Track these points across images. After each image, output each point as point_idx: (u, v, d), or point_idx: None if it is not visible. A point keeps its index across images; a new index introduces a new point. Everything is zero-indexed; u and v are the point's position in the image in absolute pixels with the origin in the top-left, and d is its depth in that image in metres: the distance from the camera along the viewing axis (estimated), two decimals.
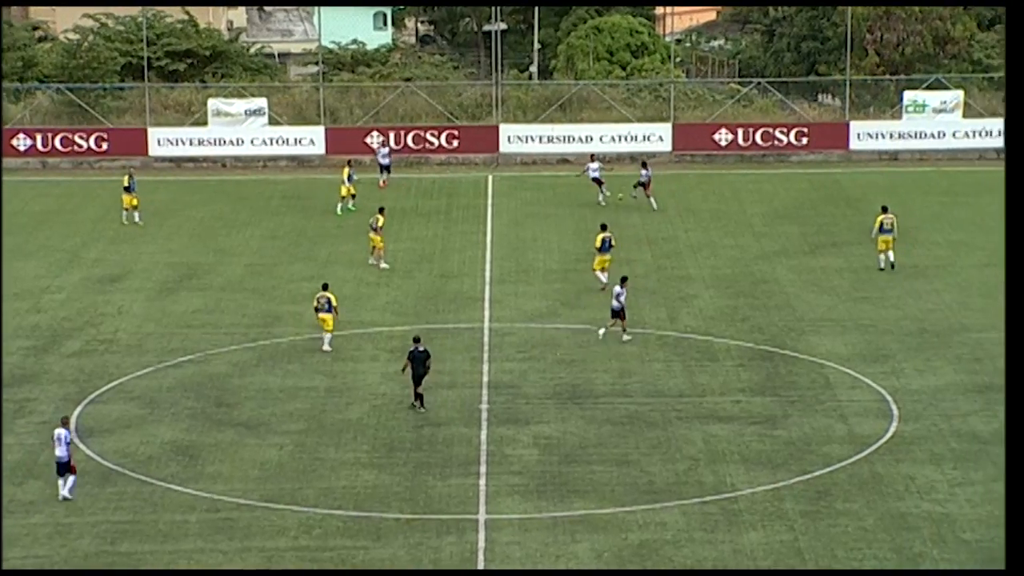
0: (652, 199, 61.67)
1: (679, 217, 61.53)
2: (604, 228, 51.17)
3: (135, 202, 59.72)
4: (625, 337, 45.17)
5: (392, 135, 72.00)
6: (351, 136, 71.42)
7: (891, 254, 53.07)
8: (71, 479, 34.53)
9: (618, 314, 45.18)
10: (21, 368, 43.52)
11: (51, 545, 32.47)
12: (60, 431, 34.58)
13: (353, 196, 61.85)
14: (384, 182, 66.45)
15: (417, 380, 39.92)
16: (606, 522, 33.54)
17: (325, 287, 45.02)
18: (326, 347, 44.42)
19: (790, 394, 41.27)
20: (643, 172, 62.12)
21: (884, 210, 53.45)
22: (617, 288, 45.42)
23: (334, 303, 44.60)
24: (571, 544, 32.52)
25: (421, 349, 39.91)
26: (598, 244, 50.81)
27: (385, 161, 67.20)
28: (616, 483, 35.59)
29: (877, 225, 53.06)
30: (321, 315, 44.49)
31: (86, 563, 31.61)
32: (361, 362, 44.02)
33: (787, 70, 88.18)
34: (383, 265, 53.34)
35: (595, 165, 62.73)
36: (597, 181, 62.41)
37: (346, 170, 62.23)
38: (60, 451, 34.31)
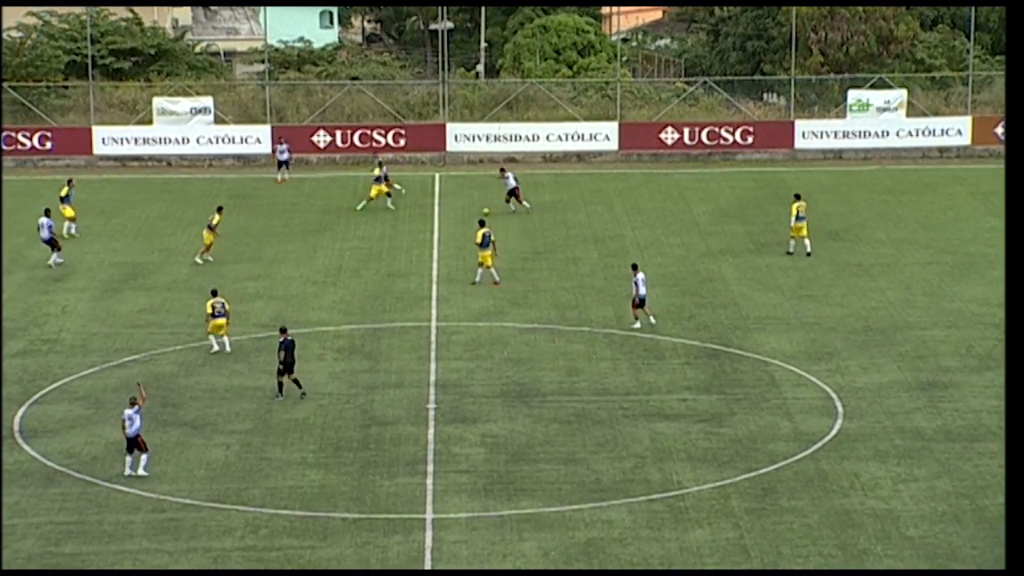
0: (524, 202, 61.19)
1: (626, 216, 61.65)
2: (483, 224, 51.45)
3: (71, 214, 58.04)
4: (652, 320, 46.41)
5: (339, 134, 71.85)
6: (297, 135, 71.19)
7: (807, 242, 54.70)
8: (144, 457, 35.29)
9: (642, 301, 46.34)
10: None
11: None
12: (130, 411, 35.27)
13: (389, 194, 61.61)
14: (283, 179, 66.38)
15: (289, 368, 40.47)
16: (553, 520, 33.57)
17: (215, 292, 44.94)
18: (227, 349, 44.28)
19: (736, 392, 41.43)
20: (506, 179, 61.51)
21: (797, 198, 55.28)
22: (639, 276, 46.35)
23: (227, 308, 44.34)
24: (518, 543, 32.53)
25: (290, 339, 40.60)
26: (479, 240, 51.10)
27: (284, 157, 67.11)
28: (563, 481, 35.63)
29: (794, 213, 54.60)
30: (217, 320, 44.00)
31: (29, 564, 31.38)
32: (308, 361, 43.84)
33: (732, 69, 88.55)
34: (198, 260, 53.79)
35: (511, 176, 61.89)
36: (513, 191, 61.52)
37: (376, 169, 61.82)
38: (132, 429, 35.14)
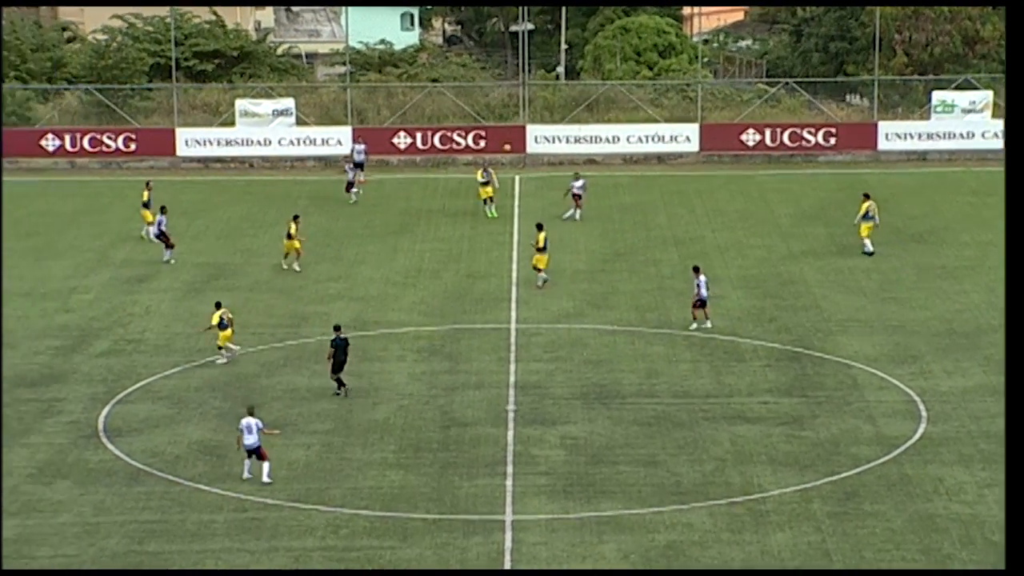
0: (577, 211, 60.67)
1: (706, 217, 61.44)
2: (540, 228, 51.32)
3: (151, 218, 57.61)
4: (707, 324, 46.32)
5: (419, 135, 72.11)
6: (378, 136, 71.50)
7: (867, 241, 54.76)
8: (265, 465, 35.28)
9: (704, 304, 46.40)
10: (50, 368, 43.71)
11: (79, 544, 32.59)
12: (249, 420, 35.31)
13: (492, 199, 61.26)
14: (363, 179, 66.56)
15: (339, 367, 40.78)
16: (633, 523, 33.51)
17: (219, 305, 44.28)
18: (232, 354, 43.97)
19: (818, 395, 41.17)
20: (484, 175, 61.25)
21: (866, 197, 55.01)
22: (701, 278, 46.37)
23: (231, 317, 44.10)
24: (598, 545, 32.50)
25: (343, 337, 40.79)
26: (541, 243, 50.96)
27: (360, 158, 67.24)
28: (643, 484, 35.56)
29: (862, 212, 54.54)
30: (225, 332, 43.71)
31: (113, 563, 31.73)
32: (388, 362, 44.07)
33: (815, 70, 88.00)
34: (295, 267, 53.44)
35: (580, 183, 61.67)
36: (576, 197, 61.20)
37: (480, 172, 61.73)
38: (251, 439, 35.20)
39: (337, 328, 41.50)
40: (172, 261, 54.42)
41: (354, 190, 64.33)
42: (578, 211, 60.72)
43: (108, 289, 51.84)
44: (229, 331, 43.80)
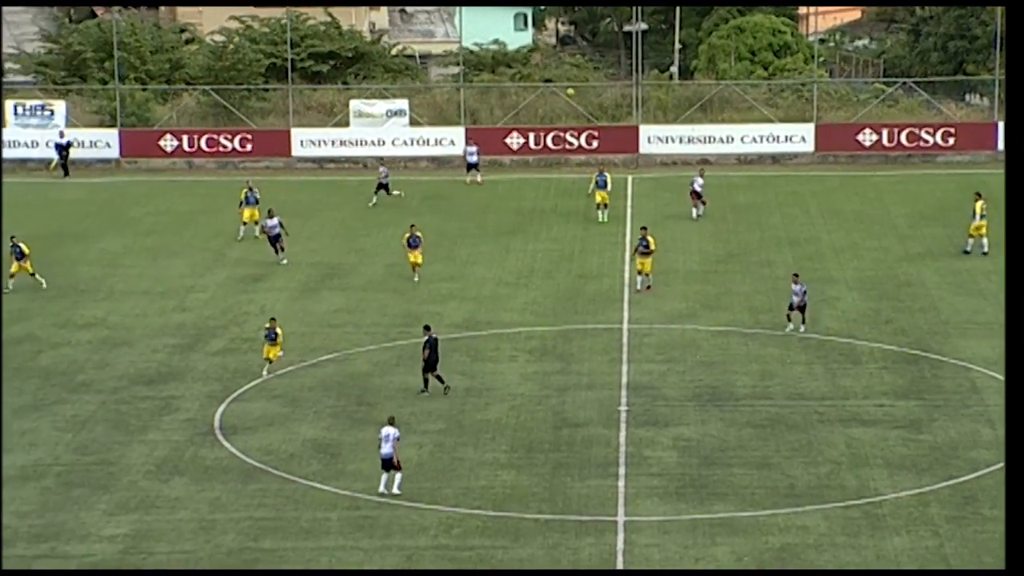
0: (699, 207, 60.34)
1: (821, 218, 60.90)
2: (643, 229, 50.92)
3: (255, 215, 58.21)
4: (801, 329, 45.86)
5: (532, 136, 72.19)
6: (491, 137, 71.68)
7: (984, 241, 54.16)
8: (398, 476, 34.81)
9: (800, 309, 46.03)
10: (167, 366, 44.30)
11: (196, 541, 32.99)
12: (388, 430, 34.93)
13: (606, 205, 60.24)
14: (477, 180, 66.64)
15: (432, 366, 41.02)
16: (746, 525, 33.29)
17: (273, 320, 43.54)
18: (265, 374, 42.96)
19: (935, 398, 40.65)
20: (600, 179, 60.71)
21: (978, 196, 54.64)
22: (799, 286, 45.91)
23: (279, 333, 43.02)
24: (711, 547, 32.32)
25: (434, 336, 41.14)
26: (636, 246, 50.65)
27: (473, 160, 67.43)
28: (757, 486, 35.31)
29: (978, 212, 54.25)
30: (267, 345, 42.89)
31: (229, 559, 32.09)
32: (500, 362, 44.15)
33: (933, 69, 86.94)
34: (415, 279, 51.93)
35: (700, 180, 61.37)
36: (696, 195, 60.92)
37: (594, 177, 61.23)
38: (386, 448, 34.73)
39: (427, 328, 41.78)
40: (285, 261, 54.84)
41: (393, 192, 63.33)
42: (697, 209, 60.52)
43: (224, 288, 52.43)
44: (277, 347, 42.79)
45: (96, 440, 38.74)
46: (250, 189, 58.95)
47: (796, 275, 46.58)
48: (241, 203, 58.77)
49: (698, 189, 60.69)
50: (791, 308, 46.01)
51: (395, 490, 34.78)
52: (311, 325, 48.02)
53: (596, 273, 53.46)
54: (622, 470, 36.29)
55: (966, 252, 54.42)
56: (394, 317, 48.35)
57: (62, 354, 45.50)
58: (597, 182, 60.67)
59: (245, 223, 58.40)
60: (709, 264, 54.22)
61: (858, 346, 44.97)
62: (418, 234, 51.97)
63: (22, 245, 51.88)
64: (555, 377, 42.80)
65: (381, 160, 67.68)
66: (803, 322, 45.90)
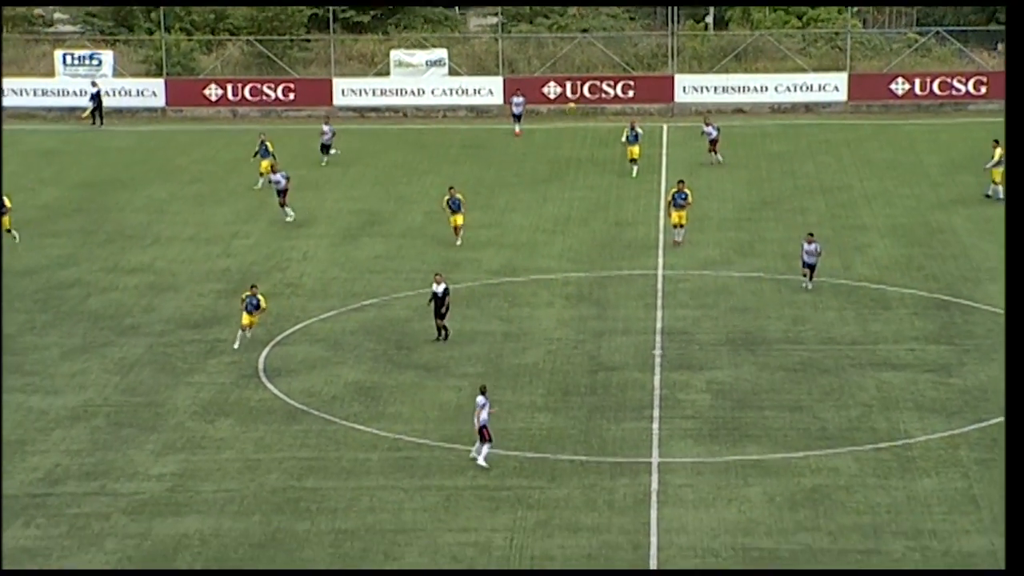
0: (719, 155, 59.82)
1: (854, 167, 60.56)
2: (680, 182, 50.00)
3: (265, 167, 57.52)
4: (810, 285, 44.95)
5: (568, 85, 71.92)
6: (529, 86, 71.44)
7: (1000, 188, 53.72)
8: (485, 447, 33.20)
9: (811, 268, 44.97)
10: (212, 310, 44.48)
11: (241, 480, 33.20)
12: (480, 398, 33.38)
13: (636, 160, 59.21)
14: (519, 131, 66.38)
15: (442, 314, 40.75)
16: (778, 467, 33.29)
17: (253, 287, 41.54)
18: (236, 344, 40.91)
19: (966, 343, 40.48)
20: (708, 131, 60.24)
21: (997, 143, 54.19)
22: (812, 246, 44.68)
23: (263, 304, 41.12)
24: (743, 488, 32.34)
25: (444, 287, 40.82)
26: (669, 198, 49.88)
27: (518, 111, 67.16)
28: (788, 428, 35.29)
29: (997, 158, 53.79)
30: (245, 314, 40.89)
31: (273, 497, 32.29)
32: (537, 308, 44.16)
33: (966, 19, 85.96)
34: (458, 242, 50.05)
35: (711, 128, 60.77)
36: (713, 142, 60.45)
37: (626, 131, 59.94)
38: (481, 418, 33.15)
39: (438, 275, 41.23)
40: (289, 218, 53.38)
41: (333, 152, 61.77)
42: (716, 155, 60.23)
43: (267, 235, 52.54)
44: (254, 317, 40.92)
45: (144, 382, 38.99)
46: (263, 142, 58.56)
47: (811, 234, 45.31)
48: (256, 154, 58.54)
49: (714, 136, 60.26)
50: (804, 265, 44.98)
51: (481, 461, 33.33)
52: (352, 271, 48.12)
53: (631, 221, 53.33)
54: (656, 412, 36.32)
55: (987, 196, 54.07)
56: (432, 264, 48.32)
57: (110, 298, 45.74)
58: (628, 137, 59.90)
59: (262, 174, 57.86)
60: (742, 212, 54.02)
61: (889, 292, 44.79)
62: (458, 196, 50.12)
63: (5, 199, 51.24)
64: (591, 322, 42.79)
65: (326, 119, 64.96)
66: (811, 279, 44.74)
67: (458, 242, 49.91)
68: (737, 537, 30.32)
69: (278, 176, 53.67)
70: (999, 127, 66.04)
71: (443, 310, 40.95)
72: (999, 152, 54.26)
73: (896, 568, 28.91)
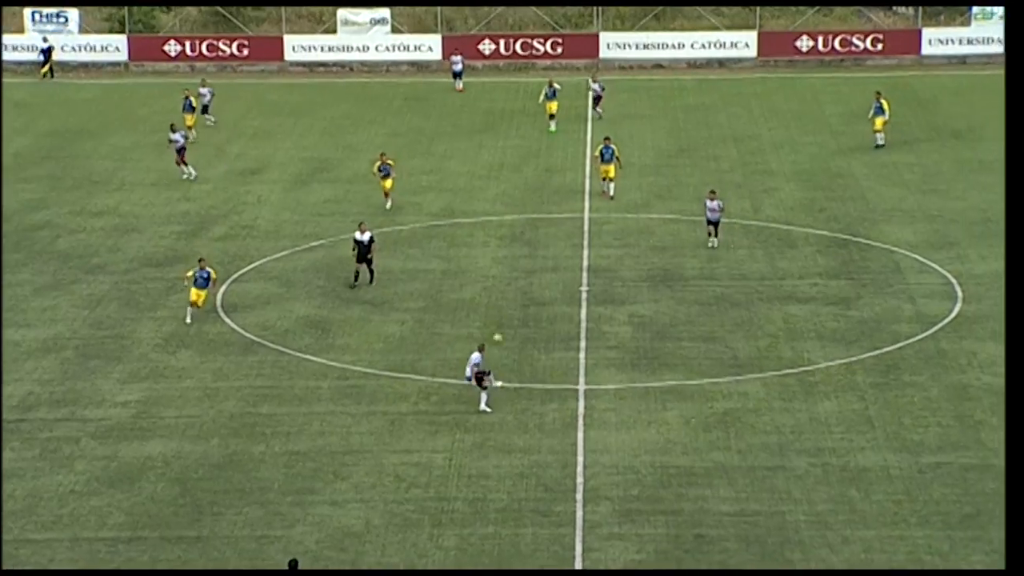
0: (599, 110, 58.47)
1: (763, 117, 60.65)
2: (607, 139, 48.94)
3: (193, 121, 56.50)
4: (715, 243, 43.23)
5: (503, 42, 71.48)
6: (465, 43, 70.93)
7: (880, 135, 53.90)
8: (483, 395, 32.42)
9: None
10: (173, 250, 44.07)
11: (200, 406, 33.03)
12: (474, 355, 32.52)
13: (554, 115, 57.92)
14: (458, 87, 65.70)
15: (364, 259, 39.83)
16: (694, 392, 33.46)
17: (201, 260, 38.38)
18: (188, 320, 37.77)
19: (863, 278, 40.77)
20: (593, 87, 59.36)
21: (878, 95, 54.55)
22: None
23: (214, 276, 38.07)
24: (662, 411, 32.50)
25: (369, 235, 39.91)
26: (597, 153, 48.78)
27: (458, 68, 66.44)
28: (703, 357, 35.46)
29: (882, 107, 53.98)
30: (195, 289, 37.67)
31: (231, 422, 32.13)
32: (474, 248, 44.05)
33: None
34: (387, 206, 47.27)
35: (596, 85, 60.01)
36: (596, 99, 59.54)
37: (544, 89, 58.81)
38: (469, 372, 32.39)
39: (361, 224, 40.39)
40: (186, 176, 51.11)
41: (209, 118, 58.12)
42: (599, 112, 59.32)
43: (224, 180, 52.03)
44: (204, 292, 37.64)
45: (110, 316, 38.63)
46: (187, 97, 57.31)
47: (713, 191, 43.80)
48: (184, 108, 56.90)
49: (599, 92, 59.54)
50: (708, 223, 43.09)
51: (483, 407, 32.39)
52: (303, 214, 47.77)
53: (560, 167, 53.20)
54: (583, 343, 36.38)
55: (879, 146, 54.15)
56: (377, 208, 48.07)
57: (78, 239, 45.22)
58: (547, 94, 58.69)
59: (189, 127, 56.33)
60: (662, 159, 54.01)
61: (795, 232, 44.98)
62: (389, 162, 47.35)
63: None
64: (523, 261, 42.74)
65: (203, 81, 61.25)
66: (716, 235, 43.00)
67: (388, 205, 47.21)
68: (656, 456, 30.49)
69: (176, 135, 51.38)
70: (894, 81, 66.49)
71: (369, 256, 40.05)
72: (885, 104, 54.43)
73: (797, 478, 29.18)
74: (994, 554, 26.59)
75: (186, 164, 51.49)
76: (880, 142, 54.03)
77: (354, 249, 40.35)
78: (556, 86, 59.14)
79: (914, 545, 27.01)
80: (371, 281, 40.44)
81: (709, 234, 43.34)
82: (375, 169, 47.85)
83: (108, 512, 28.53)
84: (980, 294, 39.15)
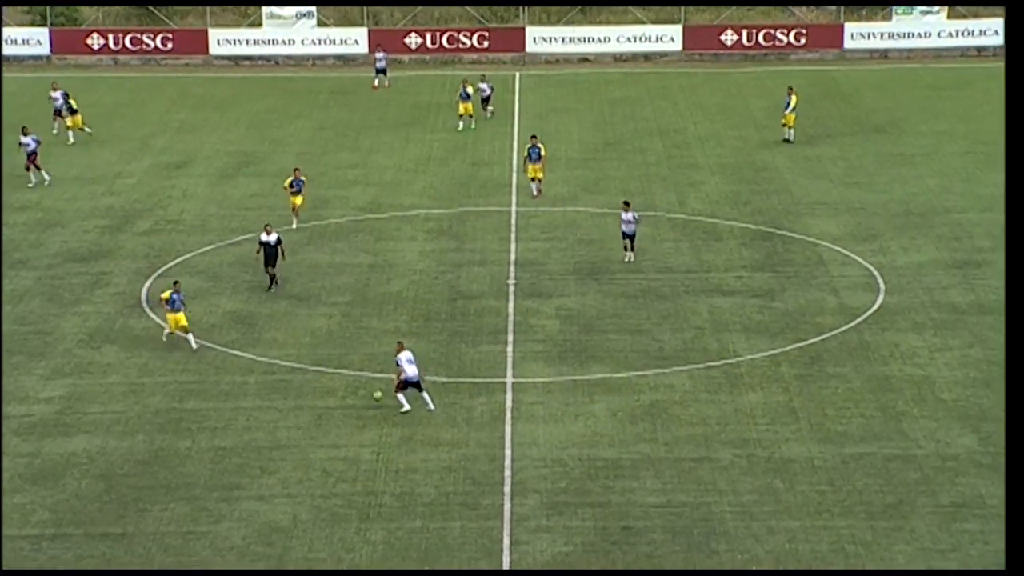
0: (490, 109, 57.92)
1: (688, 111, 60.93)
2: (533, 137, 48.55)
3: (78, 122, 55.24)
4: (631, 257, 41.38)
5: (429, 36, 71.33)
6: (391, 37, 70.72)
7: (791, 131, 54.46)
8: (424, 395, 31.92)
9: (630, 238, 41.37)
10: (98, 245, 43.60)
11: (126, 402, 32.71)
12: (402, 355, 31.86)
13: (471, 116, 57.24)
14: (380, 84, 65.04)
15: (272, 262, 38.91)
16: (621, 384, 33.58)
17: (176, 283, 36.48)
18: (194, 345, 35.68)
19: (787, 270, 41.09)
20: (482, 88, 58.80)
21: (790, 90, 54.98)
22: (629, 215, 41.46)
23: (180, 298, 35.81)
24: (589, 404, 32.59)
25: (276, 236, 39.03)
26: (525, 153, 48.30)
27: (382, 64, 65.99)
28: (630, 350, 35.59)
29: (793, 104, 54.39)
30: (171, 313, 35.61)
31: (156, 418, 31.85)
32: (401, 241, 43.94)
33: None
34: (294, 225, 44.56)
35: (485, 85, 59.38)
36: (485, 99, 58.91)
37: (460, 90, 58.11)
38: (412, 370, 31.86)
39: (267, 225, 39.65)
40: (32, 183, 49.32)
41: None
42: (489, 111, 58.77)
43: (149, 174, 51.55)
44: (181, 314, 35.53)
45: (33, 312, 38.16)
46: (64, 94, 56.15)
47: (626, 203, 41.92)
48: (62, 109, 55.80)
49: (487, 94, 59.00)
50: (624, 236, 41.27)
51: (431, 406, 32.04)
52: (228, 208, 47.42)
53: (487, 161, 53.18)
54: (510, 337, 36.40)
55: (787, 140, 54.55)
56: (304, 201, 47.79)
57: None
58: (461, 95, 57.70)
59: (69, 128, 55.40)
60: (588, 152, 54.14)
61: (720, 225, 45.25)
62: (302, 178, 45.01)
63: None
64: (451, 254, 42.69)
65: (53, 86, 57.74)
66: (632, 249, 41.19)
67: (294, 225, 44.39)
68: (583, 449, 30.57)
69: (28, 139, 49.74)
70: (817, 74, 67.06)
71: (275, 259, 39.09)
72: (794, 99, 54.80)
73: (723, 469, 29.37)
74: (915, 543, 26.92)
75: (39, 169, 49.80)
76: (788, 136, 54.40)
77: (259, 251, 39.46)
78: (469, 89, 58.09)
79: (838, 535, 27.29)
80: (270, 287, 39.20)
81: (625, 248, 41.47)
82: (287, 184, 45.26)
83: (32, 509, 28.19)
84: (902, 286, 39.59)
